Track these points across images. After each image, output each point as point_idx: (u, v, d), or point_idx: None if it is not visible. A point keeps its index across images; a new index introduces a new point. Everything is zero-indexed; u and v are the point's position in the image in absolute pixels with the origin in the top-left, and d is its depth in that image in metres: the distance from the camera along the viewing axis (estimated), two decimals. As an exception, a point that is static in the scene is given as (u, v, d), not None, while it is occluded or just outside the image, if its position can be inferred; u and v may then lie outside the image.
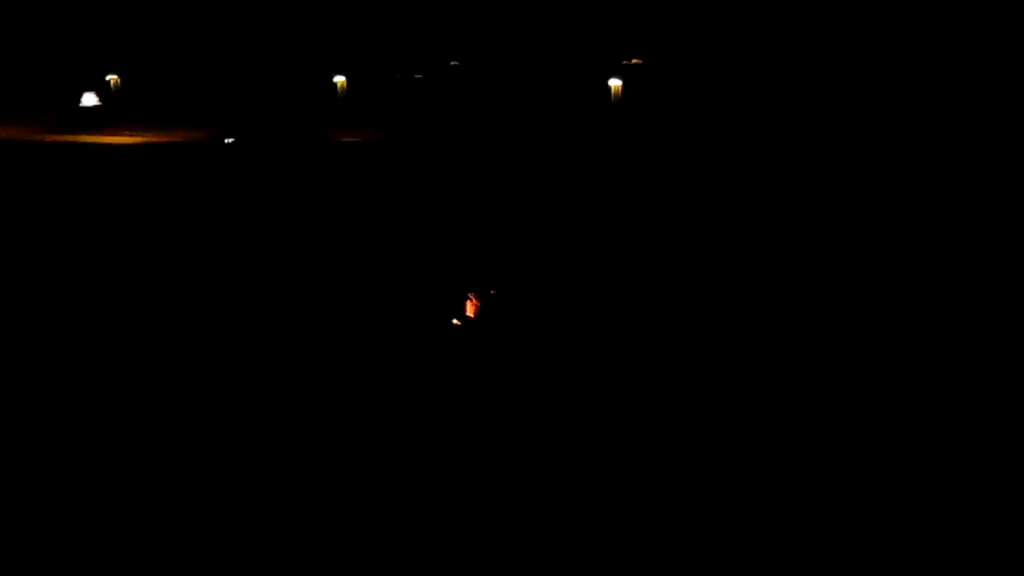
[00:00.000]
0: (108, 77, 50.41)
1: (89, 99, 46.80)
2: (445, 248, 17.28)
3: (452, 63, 51.03)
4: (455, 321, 12.41)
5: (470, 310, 12.49)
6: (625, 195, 23.32)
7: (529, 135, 38.88)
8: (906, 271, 16.42)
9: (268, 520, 8.04)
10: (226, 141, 36.19)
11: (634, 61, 49.84)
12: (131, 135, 39.26)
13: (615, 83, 41.75)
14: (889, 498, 8.62)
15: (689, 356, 12.17)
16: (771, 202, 22.16)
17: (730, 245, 18.19)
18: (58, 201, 22.28)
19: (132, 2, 50.03)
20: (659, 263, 16.63)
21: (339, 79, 46.33)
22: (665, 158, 29.98)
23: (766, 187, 24.11)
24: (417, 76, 49.74)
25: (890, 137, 34.40)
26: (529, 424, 10.07)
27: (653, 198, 22.78)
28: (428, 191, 23.43)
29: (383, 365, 11.56)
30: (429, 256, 16.67)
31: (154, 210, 21.13)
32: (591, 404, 10.61)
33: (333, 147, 34.49)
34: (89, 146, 35.96)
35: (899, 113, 36.65)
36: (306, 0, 48.14)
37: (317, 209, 20.91)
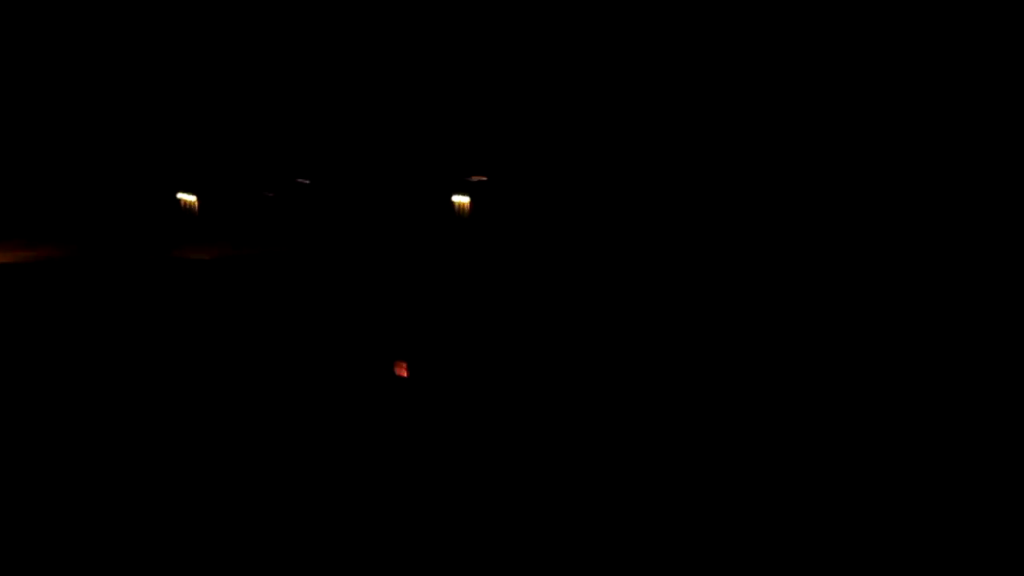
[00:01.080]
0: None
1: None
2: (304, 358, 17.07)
3: (299, 180, 51.33)
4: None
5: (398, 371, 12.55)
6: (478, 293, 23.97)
7: (378, 246, 39.17)
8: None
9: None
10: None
11: (478, 178, 50.72)
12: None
13: (461, 199, 42.66)
14: (888, 498, 8.73)
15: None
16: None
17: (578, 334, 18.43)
18: None
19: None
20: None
21: (187, 197, 46.15)
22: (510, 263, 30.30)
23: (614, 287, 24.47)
24: (268, 193, 50.44)
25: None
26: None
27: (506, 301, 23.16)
28: (282, 304, 23.39)
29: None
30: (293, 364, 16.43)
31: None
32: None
33: (183, 265, 34.25)
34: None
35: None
36: (154, 116, 47.69)
37: (175, 326, 20.50)
